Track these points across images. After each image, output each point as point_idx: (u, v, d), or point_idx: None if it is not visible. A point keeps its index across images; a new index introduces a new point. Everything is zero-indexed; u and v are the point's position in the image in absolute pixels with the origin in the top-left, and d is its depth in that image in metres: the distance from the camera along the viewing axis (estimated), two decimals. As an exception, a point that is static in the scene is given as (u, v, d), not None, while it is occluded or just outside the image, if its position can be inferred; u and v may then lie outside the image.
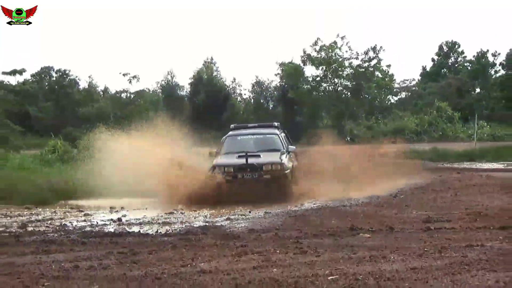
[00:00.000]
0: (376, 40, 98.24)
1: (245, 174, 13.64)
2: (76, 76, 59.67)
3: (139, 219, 11.13)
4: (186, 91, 62.36)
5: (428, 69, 63.04)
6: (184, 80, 71.98)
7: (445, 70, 61.72)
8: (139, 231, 9.56)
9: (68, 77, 59.47)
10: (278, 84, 58.21)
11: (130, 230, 9.62)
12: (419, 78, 63.75)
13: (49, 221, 11.14)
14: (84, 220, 11.24)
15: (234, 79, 62.72)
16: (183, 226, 10.07)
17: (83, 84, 60.45)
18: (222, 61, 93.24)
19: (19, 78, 58.95)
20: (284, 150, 14.78)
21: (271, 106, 60.74)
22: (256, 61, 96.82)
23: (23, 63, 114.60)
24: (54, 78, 59.67)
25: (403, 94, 63.14)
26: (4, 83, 58.37)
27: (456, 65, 61.83)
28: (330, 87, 56.18)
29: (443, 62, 62.30)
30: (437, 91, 55.23)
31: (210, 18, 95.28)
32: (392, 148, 30.79)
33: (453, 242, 7.33)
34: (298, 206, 12.39)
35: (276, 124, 16.44)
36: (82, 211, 12.59)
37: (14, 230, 9.92)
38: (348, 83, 55.82)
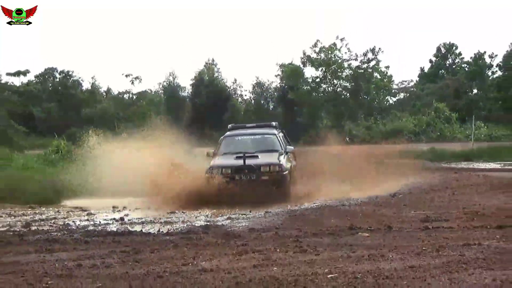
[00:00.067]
0: (375, 41, 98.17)
1: (243, 175, 13.20)
2: (79, 77, 59.71)
3: (141, 218, 11.12)
4: (187, 92, 62.35)
5: (426, 70, 63.02)
6: (185, 81, 72.06)
7: (442, 71, 61.70)
8: (141, 230, 9.56)
9: (72, 78, 59.50)
10: (278, 85, 58.21)
11: (133, 230, 9.62)
12: (417, 79, 63.77)
13: (53, 221, 11.15)
14: (87, 220, 11.24)
15: (235, 80, 62.76)
16: (185, 225, 10.08)
17: (86, 85, 60.43)
18: (223, 63, 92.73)
19: (23, 79, 58.96)
20: (282, 151, 14.37)
21: (271, 107, 60.74)
22: (256, 63, 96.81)
23: (27, 64, 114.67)
24: (58, 79, 59.70)
25: (401, 95, 63.14)
26: (8, 84, 58.37)
27: (454, 66, 61.81)
28: (329, 88, 56.18)
29: (440, 63, 62.27)
30: (435, 92, 55.23)
31: (211, 20, 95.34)
32: (391, 148, 30.83)
33: (450, 241, 7.33)
34: (297, 205, 12.37)
35: (274, 124, 16.04)
36: (85, 210, 12.59)
37: (18, 229, 9.93)
38: (347, 84, 55.84)
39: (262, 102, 60.98)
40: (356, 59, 55.57)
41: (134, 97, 57.17)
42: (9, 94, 55.33)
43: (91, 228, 10.02)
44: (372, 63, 55.95)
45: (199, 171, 13.71)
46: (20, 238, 8.86)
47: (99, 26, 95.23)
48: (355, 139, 46.89)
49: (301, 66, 55.79)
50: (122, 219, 11.04)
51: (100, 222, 10.82)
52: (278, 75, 57.12)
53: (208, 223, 10.12)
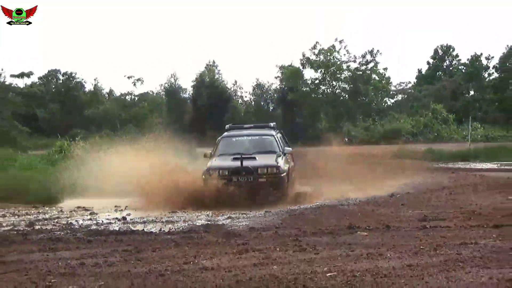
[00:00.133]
0: (373, 43, 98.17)
1: (240, 177, 12.83)
2: (82, 79, 59.72)
3: (143, 217, 11.11)
4: (188, 94, 62.35)
5: (423, 72, 63.00)
6: (187, 83, 72.05)
7: (440, 73, 61.70)
8: (143, 229, 9.56)
9: (74, 80, 59.50)
10: (278, 87, 58.24)
11: (135, 229, 9.62)
12: (415, 80, 63.74)
13: (56, 220, 11.15)
14: (90, 219, 11.23)
15: (236, 81, 62.76)
16: (186, 224, 10.08)
17: (88, 87, 60.44)
18: (223, 64, 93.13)
19: (27, 81, 58.96)
20: (280, 152, 13.93)
21: (271, 108, 60.75)
22: (256, 64, 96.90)
23: (31, 66, 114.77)
24: (61, 81, 59.71)
25: (399, 97, 63.16)
26: (12, 85, 58.36)
27: (451, 68, 61.82)
28: (328, 90, 56.25)
29: (438, 65, 62.27)
30: (433, 93, 55.25)
31: (212, 22, 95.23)
32: (388, 149, 30.85)
33: (448, 240, 7.33)
34: (297, 205, 12.36)
35: (272, 124, 15.52)
36: (87, 210, 12.58)
37: (22, 229, 9.92)
38: (346, 85, 55.91)
39: (262, 103, 61.00)
40: (354, 61, 55.67)
41: (136, 98, 57.19)
42: (13, 95, 55.36)
43: (93, 227, 10.02)
44: (371, 65, 56.04)
45: (196, 173, 13.43)
46: (24, 237, 8.87)
47: (102, 29, 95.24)
48: (354, 140, 46.95)
49: (301, 67, 55.90)
50: (124, 218, 11.03)
51: (102, 221, 10.82)
52: (278, 76, 57.19)
53: (209, 222, 10.12)
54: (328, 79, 55.42)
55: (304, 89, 55.37)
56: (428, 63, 62.90)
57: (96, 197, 13.84)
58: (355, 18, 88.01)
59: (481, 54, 59.17)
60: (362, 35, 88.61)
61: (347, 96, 56.14)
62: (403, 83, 63.95)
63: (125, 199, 13.35)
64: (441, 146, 31.95)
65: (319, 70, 55.04)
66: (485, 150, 28.02)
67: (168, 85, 62.63)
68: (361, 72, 55.52)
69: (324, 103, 54.48)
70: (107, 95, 60.58)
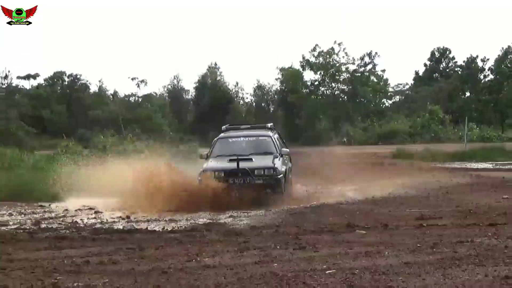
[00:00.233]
0: (372, 46, 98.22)
1: (237, 179, 12.26)
2: (87, 81, 59.82)
3: (147, 216, 11.09)
4: (191, 95, 62.39)
5: (420, 74, 63.04)
6: (189, 84, 72.06)
7: (436, 74, 61.73)
8: (147, 228, 9.55)
9: (79, 82, 59.55)
10: (278, 88, 58.25)
11: (138, 227, 9.61)
12: (412, 82, 63.80)
13: (61, 219, 11.13)
14: (95, 218, 11.21)
15: (237, 83, 62.83)
16: (188, 223, 10.07)
17: (93, 88, 60.50)
18: (225, 66, 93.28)
19: (33, 82, 59.05)
20: (277, 153, 13.33)
21: (271, 109, 60.78)
22: (257, 66, 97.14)
23: (37, 68, 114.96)
24: (66, 83, 59.75)
25: (397, 98, 63.25)
26: (19, 87, 58.45)
27: (447, 70, 61.84)
28: (327, 91, 56.33)
29: (435, 67, 62.31)
30: (429, 94, 55.24)
31: (214, 25, 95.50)
32: (386, 149, 30.86)
33: (444, 238, 7.32)
34: (297, 204, 12.30)
35: (269, 125, 14.87)
36: (92, 209, 12.56)
37: (28, 227, 9.92)
38: (345, 87, 55.98)
39: (263, 104, 61.02)
40: (353, 63, 55.75)
41: (140, 99, 57.22)
42: (20, 97, 55.43)
43: (98, 226, 10.01)
44: (369, 67, 56.09)
45: (193, 174, 12.95)
46: (30, 236, 8.87)
47: (106, 31, 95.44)
48: (352, 140, 46.97)
49: (300, 69, 55.91)
50: (128, 217, 11.00)
51: (107, 220, 10.79)
52: (278, 78, 57.23)
53: (211, 221, 10.12)
54: (327, 80, 55.48)
55: (304, 91, 55.40)
56: (425, 65, 62.98)
57: (98, 197, 13.77)
58: (354, 20, 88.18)
59: (477, 56, 59.27)
60: (361, 38, 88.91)
61: (346, 97, 56.22)
62: (401, 84, 64.10)
63: (115, 200, 12.96)
64: (437, 147, 31.94)
65: (318, 72, 55.10)
66: (481, 150, 28.02)
67: (171, 86, 62.66)
68: (359, 74, 55.58)
69: (323, 104, 54.50)
70: (111, 97, 60.61)
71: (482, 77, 59.36)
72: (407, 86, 63.96)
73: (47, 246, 7.74)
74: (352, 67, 55.52)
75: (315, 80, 55.48)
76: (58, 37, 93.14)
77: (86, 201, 13.20)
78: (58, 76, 59.36)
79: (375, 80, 56.43)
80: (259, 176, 12.39)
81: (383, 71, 56.78)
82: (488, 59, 58.60)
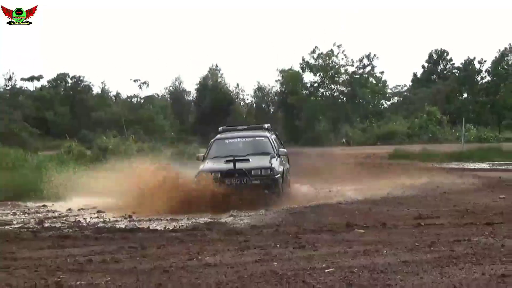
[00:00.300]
0: (370, 48, 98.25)
1: (233, 179, 11.94)
2: (90, 82, 59.83)
3: (148, 216, 11.06)
4: (192, 96, 62.40)
5: (418, 75, 63.02)
6: (190, 86, 72.09)
7: (434, 76, 61.73)
8: (149, 227, 9.55)
9: (82, 83, 59.56)
10: (278, 90, 58.28)
11: (140, 226, 9.61)
12: (410, 84, 63.77)
13: (65, 218, 11.13)
14: (97, 217, 11.20)
15: (238, 85, 62.88)
16: (190, 222, 10.06)
17: (96, 90, 60.51)
18: (226, 68, 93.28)
19: (37, 84, 59.06)
20: (275, 154, 12.98)
21: (272, 110, 60.80)
22: (258, 68, 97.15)
23: (40, 70, 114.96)
24: (69, 84, 59.77)
25: (395, 99, 63.21)
26: (23, 89, 58.49)
27: (445, 71, 61.83)
28: (327, 93, 56.33)
29: (432, 69, 62.31)
30: (427, 96, 55.25)
31: (215, 27, 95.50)
32: (385, 149, 30.85)
33: (442, 237, 7.31)
34: (296, 204, 12.26)
35: (266, 126, 14.51)
36: (95, 208, 12.55)
37: (32, 226, 9.93)
38: (344, 88, 55.98)
39: (263, 106, 61.04)
40: (352, 65, 55.77)
41: (142, 101, 57.23)
42: (24, 98, 55.47)
43: (101, 225, 10.01)
44: (368, 68, 56.09)
45: (191, 175, 12.52)
46: (34, 235, 8.88)
47: (109, 34, 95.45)
48: (351, 141, 46.97)
49: (300, 71, 55.92)
50: (130, 216, 10.97)
51: (109, 219, 10.78)
52: (278, 80, 57.26)
53: (212, 220, 10.10)
54: (327, 82, 55.52)
55: (304, 92, 55.42)
56: (423, 66, 62.99)
57: (98, 197, 13.75)
58: (352, 23, 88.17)
59: (474, 58, 59.29)
60: (360, 40, 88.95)
61: (345, 98, 56.23)
62: (399, 86, 64.07)
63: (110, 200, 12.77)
64: (435, 147, 31.93)
65: (318, 74, 55.14)
66: (478, 151, 28.01)
67: (173, 88, 62.67)
68: (358, 76, 55.61)
69: (322, 105, 54.53)
70: (114, 98, 60.64)
71: (479, 79, 59.40)
72: (405, 88, 63.95)
73: (50, 245, 7.75)
74: (351, 69, 55.59)
75: (315, 82, 55.53)
76: (61, 39, 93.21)
77: (88, 200, 13.19)
78: (61, 77, 59.41)
79: (373, 81, 56.45)
80: (256, 176, 12.07)
81: (382, 72, 56.86)
82: (485, 61, 58.69)
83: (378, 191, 13.84)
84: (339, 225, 8.76)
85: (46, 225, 10.08)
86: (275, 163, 12.58)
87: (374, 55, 55.94)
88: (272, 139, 13.72)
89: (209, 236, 8.25)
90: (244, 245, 7.26)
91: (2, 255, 7.10)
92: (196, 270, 5.93)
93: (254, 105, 61.70)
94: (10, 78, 57.00)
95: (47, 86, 59.05)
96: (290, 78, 55.08)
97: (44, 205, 13.22)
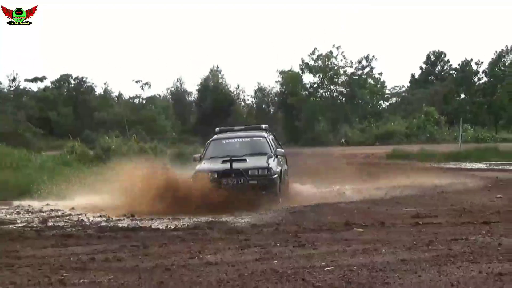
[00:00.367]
0: (369, 49, 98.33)
1: (230, 179, 11.59)
2: (93, 83, 59.86)
3: (150, 215, 11.03)
4: (194, 97, 62.40)
5: (416, 76, 63.05)
6: (192, 87, 72.09)
7: (432, 77, 61.75)
8: (151, 226, 9.53)
9: (85, 84, 59.59)
10: (278, 90, 58.29)
11: (142, 225, 9.60)
12: (409, 85, 63.78)
13: (68, 217, 11.12)
14: (100, 216, 11.18)
15: (238, 85, 62.87)
16: (191, 221, 10.04)
17: (99, 91, 60.53)
18: (227, 69, 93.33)
19: (40, 85, 59.06)
20: (272, 154, 12.69)
21: (272, 111, 60.80)
22: (258, 69, 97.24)
23: (44, 71, 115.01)
24: (72, 85, 59.79)
25: (393, 100, 63.19)
26: (26, 89, 58.51)
27: (443, 73, 61.86)
28: (326, 93, 56.34)
29: (430, 70, 62.34)
30: (425, 97, 55.27)
31: (216, 29, 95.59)
32: (383, 149, 30.83)
33: (439, 236, 7.31)
34: (295, 204, 12.20)
35: (263, 126, 14.23)
36: (97, 207, 12.53)
37: (35, 225, 9.92)
38: (343, 89, 55.97)
39: (263, 106, 61.04)
40: (351, 66, 55.80)
41: (144, 101, 57.21)
42: (28, 99, 55.49)
43: (103, 224, 10.00)
44: (366, 69, 56.09)
45: (186, 176, 12.27)
46: (37, 233, 8.87)
47: (111, 36, 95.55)
48: (350, 141, 46.97)
49: (300, 72, 55.95)
50: (132, 215, 10.95)
51: (112, 218, 10.77)
52: (278, 81, 57.30)
53: (213, 219, 10.09)
54: (326, 83, 55.52)
55: (303, 93, 55.42)
56: (421, 68, 63.05)
57: (101, 196, 13.73)
58: (351, 25, 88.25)
59: (471, 59, 59.37)
60: (359, 41, 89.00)
61: (344, 99, 56.23)
62: (397, 87, 64.06)
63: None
64: (433, 147, 31.94)
65: (317, 75, 55.15)
66: (475, 151, 28.01)
67: (174, 89, 62.66)
68: (357, 77, 55.61)
69: (322, 106, 54.56)
70: (116, 99, 60.65)
71: (476, 79, 59.45)
72: (404, 89, 63.96)
73: (54, 244, 7.74)
74: (350, 70, 55.61)
75: (314, 83, 55.54)
76: (65, 40, 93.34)
77: (91, 199, 13.19)
78: (64, 79, 59.44)
79: (372, 82, 56.47)
80: (253, 176, 11.71)
81: (380, 74, 56.86)
82: (482, 62, 58.76)
83: (377, 190, 13.84)
84: (338, 224, 8.76)
85: (50, 224, 10.07)
86: (273, 163, 12.27)
87: (373, 56, 56.02)
88: (269, 139, 13.43)
89: (210, 235, 8.25)
90: (245, 243, 7.26)
91: (6, 253, 7.11)
92: (198, 268, 5.93)
93: (255, 105, 61.70)
94: (14, 79, 57.08)
95: (50, 87, 59.09)
96: (290, 79, 55.09)
97: (47, 204, 13.22)
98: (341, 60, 55.09)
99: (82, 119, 53.59)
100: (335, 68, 54.79)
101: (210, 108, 54.84)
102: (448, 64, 61.77)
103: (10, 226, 9.97)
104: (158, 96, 60.88)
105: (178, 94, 62.08)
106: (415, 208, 10.56)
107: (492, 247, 6.54)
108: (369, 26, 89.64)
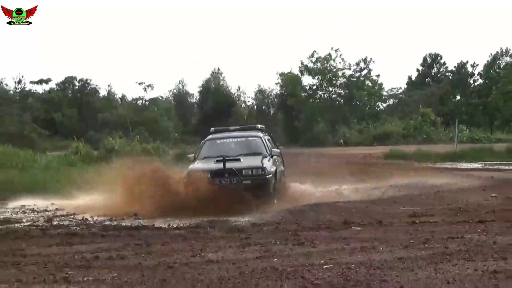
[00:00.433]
0: (367, 52, 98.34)
1: (223, 179, 11.05)
2: (97, 85, 59.87)
3: (143, 215, 10.87)
4: (195, 99, 62.39)
5: (413, 78, 63.03)
6: (193, 89, 72.09)
7: (428, 79, 61.76)
8: (153, 225, 9.53)
9: (89, 86, 59.59)
10: (278, 92, 58.30)
11: (145, 224, 9.59)
12: (405, 86, 63.79)
13: (72, 216, 11.13)
14: (104, 215, 11.18)
15: (239, 87, 62.90)
16: (193, 220, 10.03)
17: (103, 92, 60.53)
18: (228, 71, 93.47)
19: (45, 87, 59.07)
20: (267, 154, 12.20)
21: (272, 112, 60.80)
22: (258, 71, 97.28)
23: (49, 73, 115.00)
24: (77, 87, 59.80)
25: (391, 101, 63.21)
26: (32, 91, 58.53)
27: (439, 75, 61.87)
28: (325, 95, 56.31)
29: (427, 72, 62.33)
30: (422, 98, 55.28)
31: (218, 31, 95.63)
32: (381, 150, 30.80)
33: (436, 235, 7.31)
34: (294, 203, 12.08)
35: (259, 126, 13.79)
36: (100, 207, 12.50)
37: (41, 224, 9.93)
38: (341, 91, 55.95)
39: (263, 107, 61.03)
40: (349, 68, 55.80)
41: (147, 103, 57.19)
42: (33, 101, 55.52)
43: (107, 223, 10.01)
44: (364, 72, 56.10)
45: (179, 176, 11.75)
46: (42, 232, 8.87)
47: (115, 39, 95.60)
48: (349, 142, 46.97)
49: (299, 74, 55.95)
50: (135, 214, 10.92)
51: (115, 217, 10.76)
52: (278, 83, 57.29)
53: (214, 218, 10.07)
54: (325, 85, 55.51)
55: (303, 95, 55.43)
56: (417, 70, 63.04)
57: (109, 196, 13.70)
58: (349, 27, 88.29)
59: (467, 62, 59.47)
60: (357, 44, 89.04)
61: (342, 101, 56.22)
62: (395, 88, 64.07)
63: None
64: (429, 148, 31.91)
65: (316, 77, 55.15)
66: (471, 151, 27.99)
67: (177, 90, 62.66)
68: (355, 79, 55.61)
69: (321, 107, 54.56)
70: (119, 100, 60.65)
71: (471, 81, 59.50)
72: (401, 90, 63.98)
73: (58, 242, 7.75)
74: (348, 72, 55.61)
75: (313, 85, 55.52)
76: (70, 43, 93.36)
77: (93, 199, 13.18)
78: (69, 81, 59.46)
79: (370, 84, 56.46)
80: (247, 176, 11.18)
81: (378, 76, 56.87)
82: (477, 65, 58.83)
83: (374, 190, 13.84)
84: (337, 223, 8.76)
85: (55, 223, 10.09)
86: (267, 163, 11.81)
87: (371, 59, 56.05)
88: (265, 140, 12.98)
89: (211, 233, 8.25)
90: (245, 242, 7.26)
91: (12, 251, 7.12)
92: (199, 266, 5.93)
93: (255, 107, 61.68)
94: (19, 81, 57.10)
95: (55, 89, 59.12)
96: (289, 81, 55.08)
97: (52, 204, 13.22)
98: (340, 62, 55.15)
99: (86, 120, 53.59)
100: (334, 70, 54.79)
101: (212, 110, 54.84)
102: (444, 66, 61.83)
103: (16, 225, 9.99)
104: (160, 98, 60.88)
105: (180, 96, 62.07)
106: (412, 207, 10.56)
107: (487, 245, 6.55)
108: (367, 29, 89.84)
